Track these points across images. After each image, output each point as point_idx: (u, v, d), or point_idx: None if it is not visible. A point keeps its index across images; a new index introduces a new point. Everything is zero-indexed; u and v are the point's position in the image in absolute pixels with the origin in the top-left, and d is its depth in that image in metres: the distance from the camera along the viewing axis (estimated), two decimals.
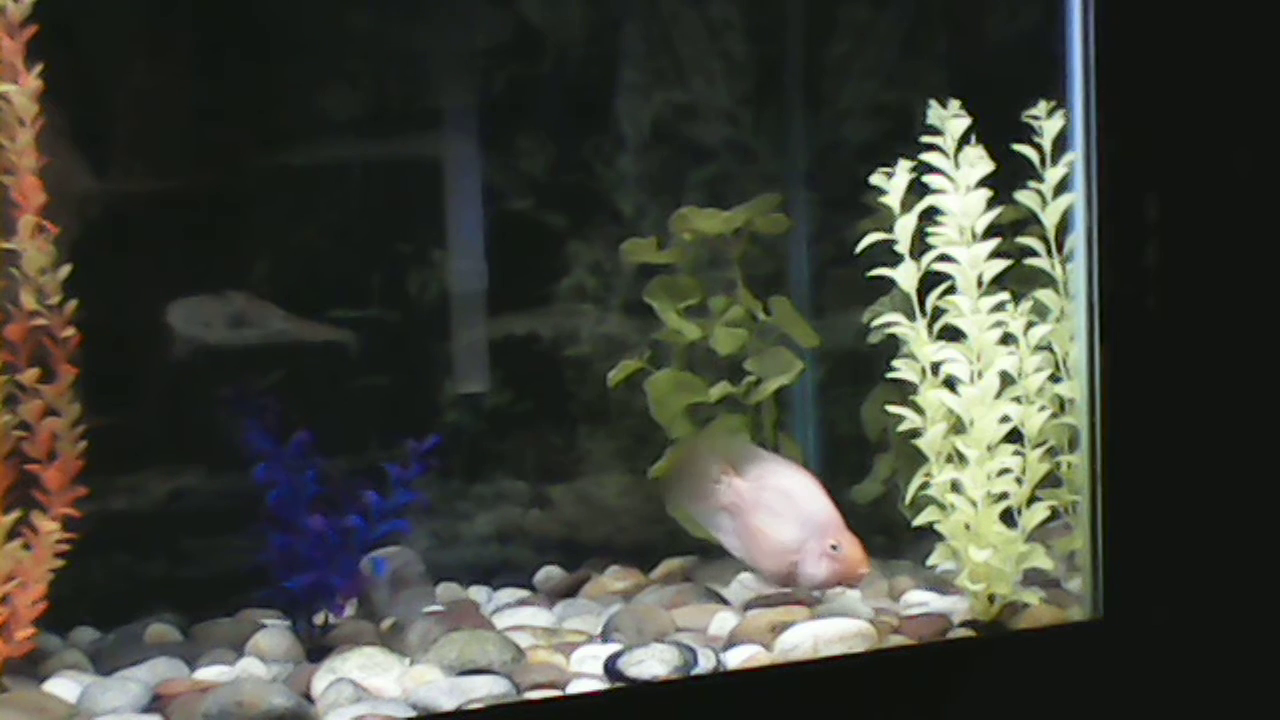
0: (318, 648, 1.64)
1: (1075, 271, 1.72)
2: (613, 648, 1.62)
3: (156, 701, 1.51)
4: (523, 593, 1.93)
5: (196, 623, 1.75)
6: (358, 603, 1.74)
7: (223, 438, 1.70)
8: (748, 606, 1.77)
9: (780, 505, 1.74)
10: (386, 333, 1.98)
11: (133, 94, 1.86)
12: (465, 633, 1.63)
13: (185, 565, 1.84)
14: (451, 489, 2.01)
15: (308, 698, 1.51)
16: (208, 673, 1.60)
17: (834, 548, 1.69)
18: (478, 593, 1.92)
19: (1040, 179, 1.74)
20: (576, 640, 1.68)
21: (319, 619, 1.69)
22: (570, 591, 1.92)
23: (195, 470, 1.86)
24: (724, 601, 1.81)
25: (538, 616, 1.80)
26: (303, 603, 1.68)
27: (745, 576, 1.89)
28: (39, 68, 1.52)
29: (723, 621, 1.72)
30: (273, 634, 1.67)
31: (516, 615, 1.80)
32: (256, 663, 1.63)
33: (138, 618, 1.74)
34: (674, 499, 1.86)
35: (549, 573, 1.99)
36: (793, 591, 1.75)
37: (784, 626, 1.65)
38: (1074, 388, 1.72)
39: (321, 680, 1.53)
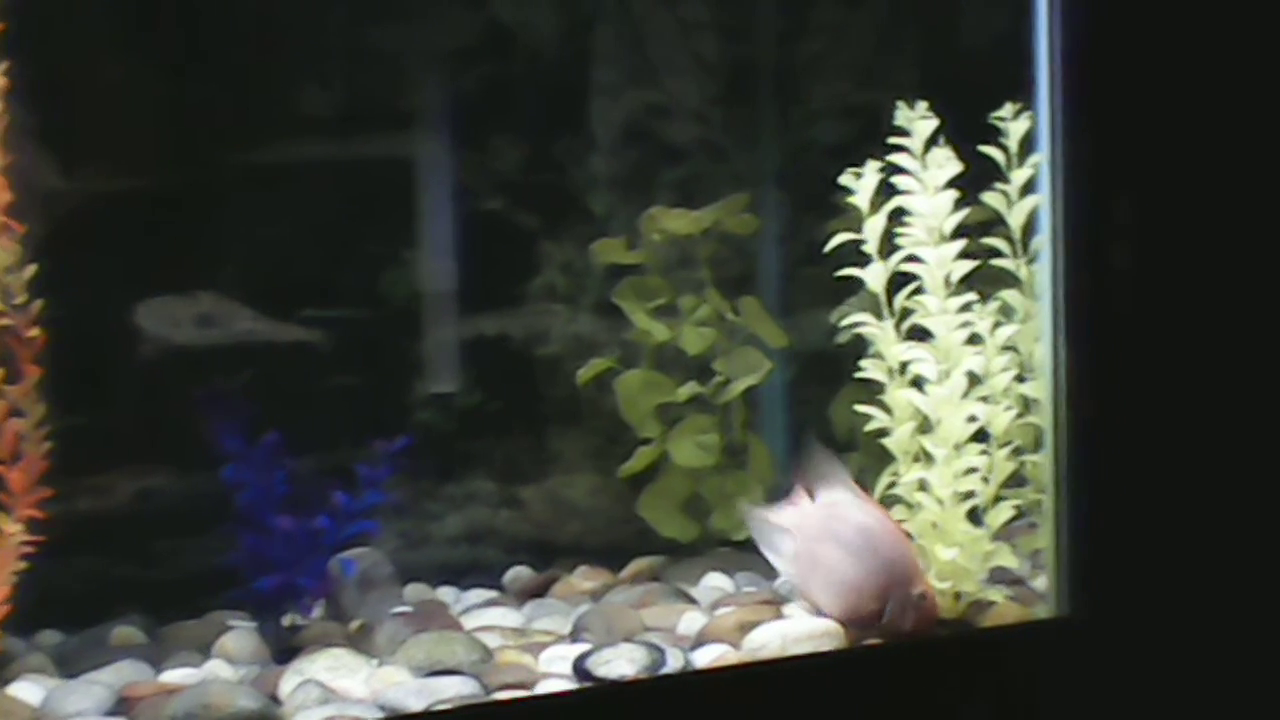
0: (285, 649, 1.64)
1: (1040, 272, 1.74)
2: (581, 647, 1.63)
3: (122, 704, 1.50)
4: (491, 593, 1.93)
5: (163, 625, 1.74)
6: (326, 604, 1.73)
7: (191, 438, 1.69)
8: (716, 606, 1.78)
9: (858, 542, 1.63)
10: (356, 333, 1.98)
11: (100, 92, 1.85)
12: (433, 634, 1.63)
13: (152, 567, 1.84)
14: (421, 489, 2.01)
15: (275, 699, 1.51)
16: (174, 675, 1.59)
17: (921, 597, 1.61)
18: (446, 593, 1.92)
19: (1006, 180, 1.76)
20: (545, 640, 1.69)
21: (287, 620, 1.68)
22: (539, 592, 1.92)
23: (163, 471, 1.85)
24: (692, 601, 1.82)
25: (506, 617, 1.80)
26: (271, 604, 1.67)
27: (714, 576, 1.90)
28: (3, 66, 1.51)
29: (691, 621, 1.72)
30: (240, 635, 1.66)
31: (485, 616, 1.79)
32: (223, 664, 1.62)
33: (103, 620, 1.73)
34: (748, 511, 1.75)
35: (518, 573, 1.99)
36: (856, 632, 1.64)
37: (752, 626, 1.65)
38: (1038, 388, 1.73)
39: (289, 682, 1.53)
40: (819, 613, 1.66)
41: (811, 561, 1.65)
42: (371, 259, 2.01)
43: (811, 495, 1.68)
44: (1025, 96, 1.74)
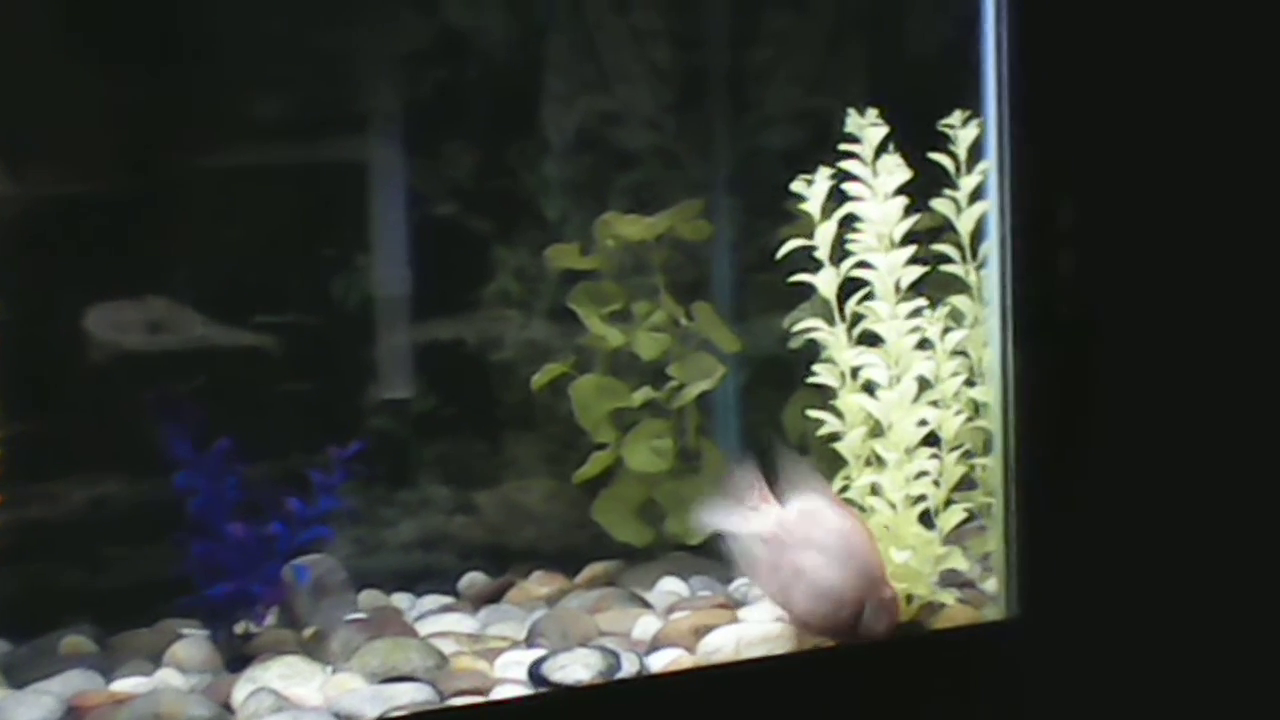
0: (238, 657, 1.63)
1: (989, 278, 1.76)
2: (537, 653, 1.63)
3: (71, 714, 1.49)
4: (446, 599, 1.92)
5: (113, 634, 1.73)
6: (279, 611, 1.73)
7: (143, 445, 1.68)
8: (670, 610, 1.79)
9: (839, 548, 1.60)
10: (310, 338, 1.97)
11: (48, 95, 1.84)
12: (388, 640, 1.62)
13: (102, 575, 1.82)
14: (375, 495, 2.00)
15: (228, 708, 1.50)
16: (124, 684, 1.58)
17: (891, 600, 1.60)
18: (401, 599, 1.91)
19: (955, 187, 1.78)
20: (500, 646, 1.69)
21: (240, 628, 1.67)
22: (494, 597, 1.92)
23: (114, 478, 1.83)
24: (647, 605, 1.82)
25: (461, 623, 1.80)
26: (223, 611, 1.66)
27: (669, 581, 1.91)
28: None
29: (646, 625, 1.73)
30: (191, 644, 1.65)
31: (440, 622, 1.79)
32: (175, 673, 1.61)
33: (53, 629, 1.72)
34: (709, 517, 1.68)
35: (472, 579, 1.99)
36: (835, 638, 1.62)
37: (706, 630, 1.66)
38: (988, 392, 1.75)
39: (241, 690, 1.52)
40: (799, 621, 1.63)
41: (794, 571, 1.60)
42: (324, 264, 2.00)
43: (779, 501, 1.64)
44: (973, 104, 1.76)
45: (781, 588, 1.62)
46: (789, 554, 1.61)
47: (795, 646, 1.64)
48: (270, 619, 1.71)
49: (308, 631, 1.71)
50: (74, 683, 1.57)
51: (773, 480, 1.65)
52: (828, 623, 1.61)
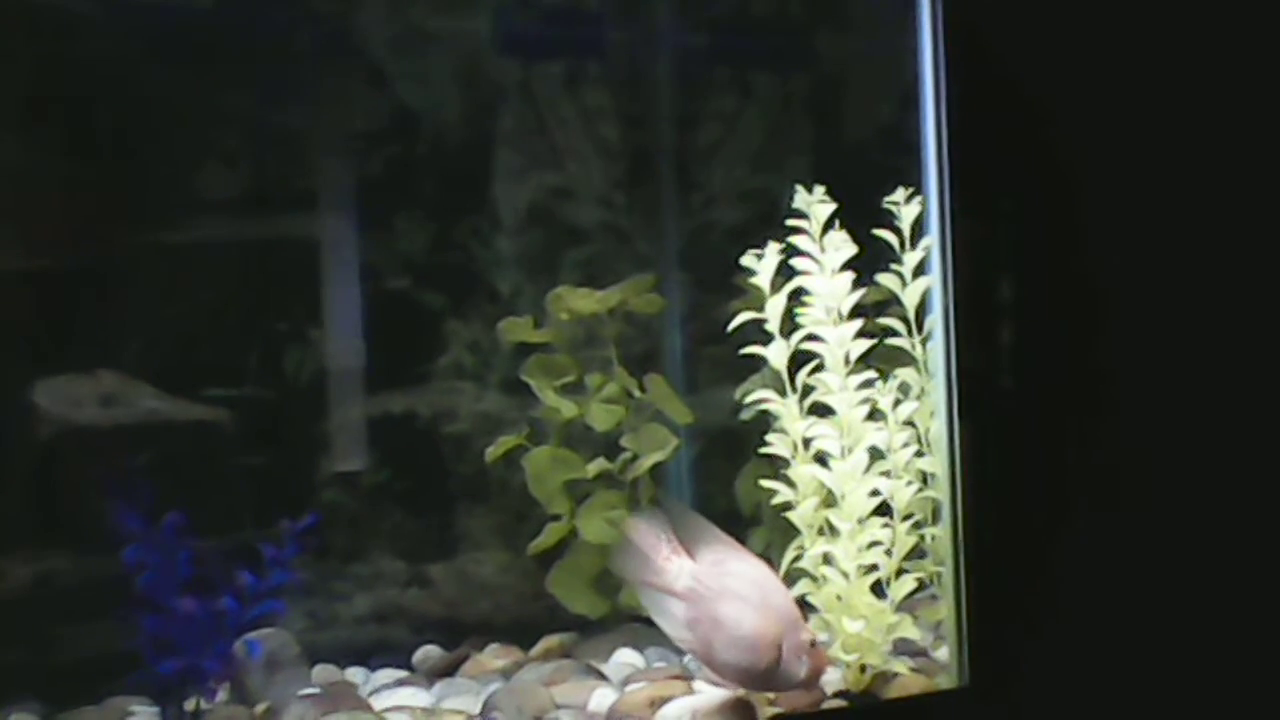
0: None
1: (934, 350, 1.80)
2: None
3: None
4: (401, 673, 1.91)
5: (61, 712, 1.69)
6: (231, 687, 1.71)
7: (91, 519, 1.66)
8: (626, 682, 1.79)
9: (753, 594, 1.59)
10: (262, 411, 1.96)
11: (2, 170, 1.84)
12: (343, 715, 1.61)
13: (50, 651, 1.79)
14: (328, 569, 1.99)
15: None
16: None
17: (812, 644, 1.59)
18: (355, 674, 1.90)
19: (900, 261, 1.82)
20: None
21: (190, 704, 1.65)
22: (449, 670, 1.90)
23: (61, 553, 1.81)
24: (603, 677, 1.82)
25: (416, 697, 1.78)
26: (173, 688, 1.64)
27: (624, 652, 1.91)
28: None
29: (602, 697, 1.72)
30: None
31: (395, 696, 1.78)
32: None
33: None
34: (622, 574, 1.70)
35: (427, 652, 1.97)
36: (764, 692, 1.63)
37: (663, 701, 1.66)
38: (936, 462, 1.79)
39: None
40: (721, 674, 1.62)
41: (713, 623, 1.60)
42: (276, 338, 2.01)
43: (689, 554, 1.64)
44: (915, 182, 1.81)
45: (702, 642, 1.61)
46: (705, 607, 1.61)
47: (749, 717, 1.65)
48: (222, 695, 1.69)
49: (260, 707, 1.69)
50: None
51: (670, 534, 1.65)
52: (750, 671, 1.60)
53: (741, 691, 1.64)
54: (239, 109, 2.00)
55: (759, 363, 1.80)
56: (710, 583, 1.61)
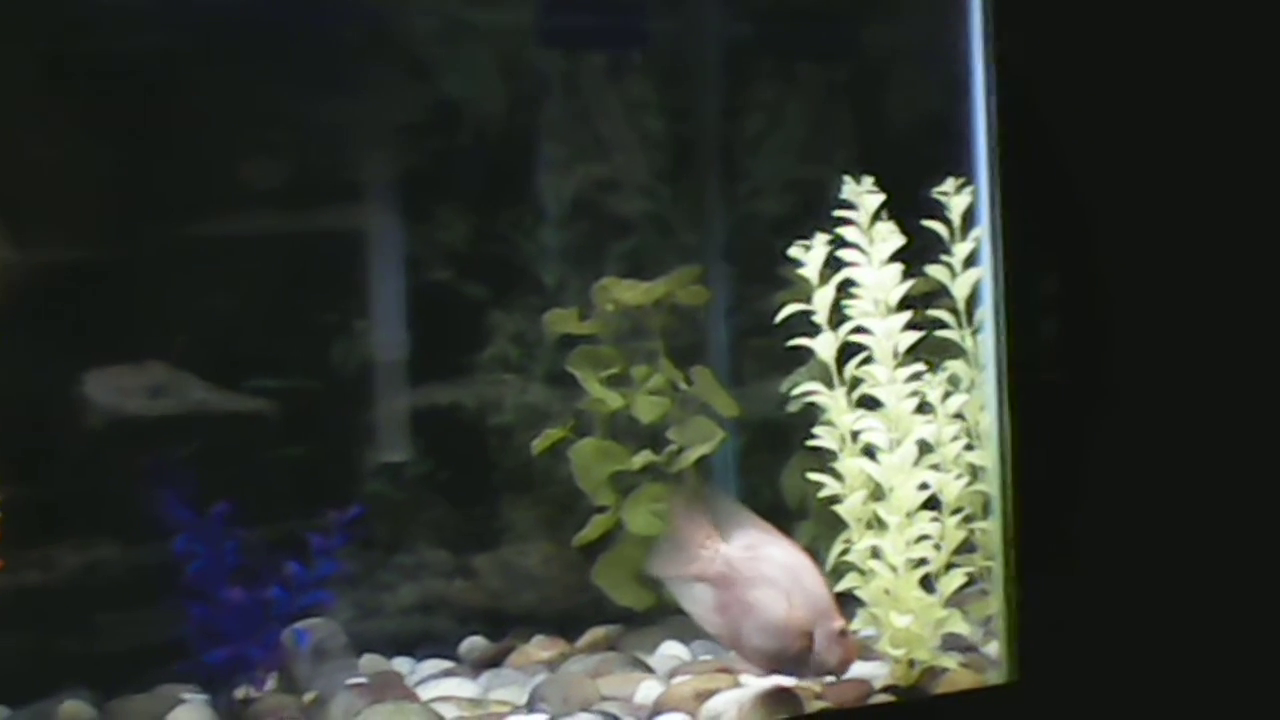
0: None
1: (985, 343, 1.78)
2: (538, 718, 1.62)
3: None
4: (447, 663, 1.91)
5: (112, 699, 1.71)
6: (279, 676, 1.71)
7: (141, 509, 1.67)
8: (672, 674, 1.78)
9: (785, 581, 1.59)
10: (308, 402, 1.97)
11: (50, 164, 1.85)
12: (389, 705, 1.61)
13: (101, 640, 1.80)
14: (374, 559, 2.00)
15: None
16: None
17: (842, 632, 1.58)
18: (402, 664, 1.90)
19: (949, 253, 1.80)
20: (502, 710, 1.68)
21: (239, 693, 1.66)
22: (495, 661, 1.91)
23: (112, 543, 1.83)
24: (649, 670, 1.82)
25: (462, 687, 1.79)
26: (222, 676, 1.65)
27: (670, 645, 1.90)
28: None
29: (648, 690, 1.72)
30: (191, 709, 1.64)
31: (441, 686, 1.78)
32: None
33: (51, 695, 1.70)
34: (656, 564, 1.67)
35: (473, 643, 1.98)
36: (797, 679, 1.62)
37: (709, 694, 1.66)
38: (985, 455, 1.77)
39: None
40: (749, 659, 1.61)
41: (743, 607, 1.59)
42: (323, 329, 2.01)
43: (723, 540, 1.62)
44: (965, 172, 1.79)
45: (731, 626, 1.60)
46: (737, 591, 1.60)
47: (796, 711, 1.64)
48: (270, 684, 1.70)
49: (308, 696, 1.70)
50: None
51: (704, 520, 1.64)
52: (779, 657, 1.59)
53: (790, 682, 1.63)
54: (284, 102, 2.00)
55: (805, 355, 1.79)
56: (742, 567, 1.60)
